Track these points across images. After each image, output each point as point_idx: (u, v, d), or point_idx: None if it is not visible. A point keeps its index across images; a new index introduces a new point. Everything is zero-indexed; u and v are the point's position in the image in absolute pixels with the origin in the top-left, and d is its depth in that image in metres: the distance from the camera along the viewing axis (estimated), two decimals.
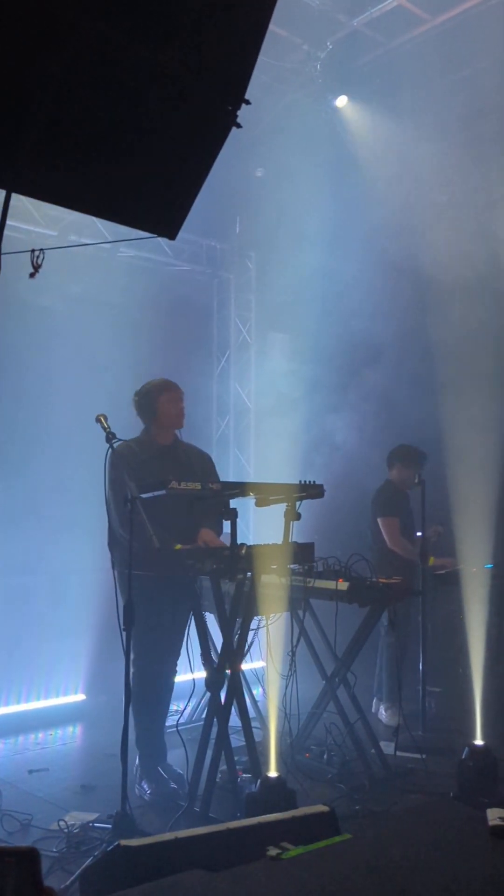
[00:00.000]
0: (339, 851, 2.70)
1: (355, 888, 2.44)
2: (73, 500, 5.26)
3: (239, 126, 1.74)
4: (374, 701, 5.29)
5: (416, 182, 5.93)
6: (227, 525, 3.62)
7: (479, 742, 3.75)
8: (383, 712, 5.07)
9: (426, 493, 4.87)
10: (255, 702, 4.58)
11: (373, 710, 5.21)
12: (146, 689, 3.81)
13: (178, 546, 3.65)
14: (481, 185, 5.62)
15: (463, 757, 3.74)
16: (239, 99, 1.70)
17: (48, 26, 1.46)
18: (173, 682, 4.04)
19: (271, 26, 1.79)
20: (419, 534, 5.08)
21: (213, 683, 3.62)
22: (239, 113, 1.73)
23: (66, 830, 3.29)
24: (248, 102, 1.71)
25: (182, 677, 4.11)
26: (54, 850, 3.20)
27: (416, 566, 4.97)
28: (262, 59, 1.82)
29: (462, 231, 5.63)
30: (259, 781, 3.31)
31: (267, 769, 3.35)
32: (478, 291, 5.54)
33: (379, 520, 5.27)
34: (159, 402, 3.99)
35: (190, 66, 1.62)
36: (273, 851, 2.54)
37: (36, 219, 5.75)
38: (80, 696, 5.37)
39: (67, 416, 5.26)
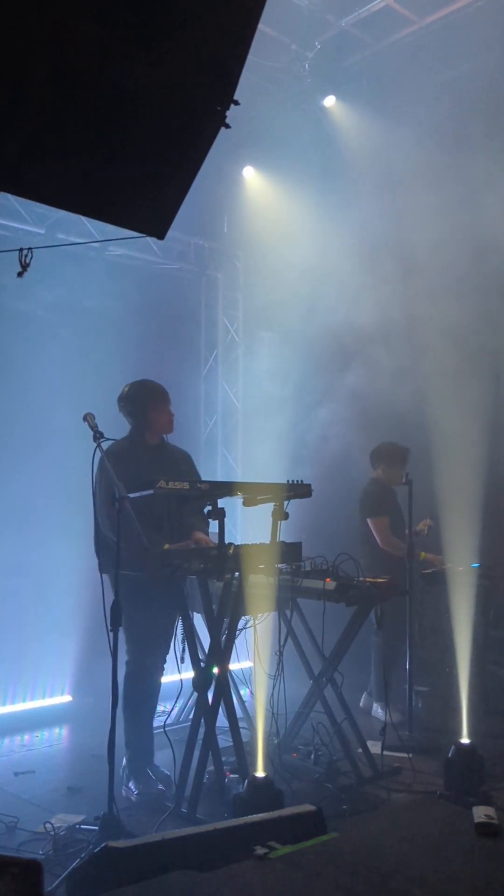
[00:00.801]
0: (327, 850, 2.71)
1: (343, 887, 2.45)
2: (60, 501, 5.22)
3: (228, 126, 1.74)
4: (364, 696, 5.29)
5: (403, 180, 5.95)
6: (214, 524, 3.62)
7: (465, 741, 3.77)
8: (379, 710, 5.08)
9: (412, 491, 4.88)
10: (242, 702, 4.58)
11: (361, 704, 5.22)
12: (136, 689, 3.80)
13: (167, 546, 3.65)
14: (468, 182, 5.64)
15: (449, 756, 3.76)
16: (228, 100, 1.70)
17: (39, 28, 1.45)
18: (160, 682, 4.04)
19: (259, 26, 1.79)
20: (408, 531, 5.10)
21: (200, 684, 3.61)
22: (228, 113, 1.73)
23: (52, 833, 3.28)
24: (237, 103, 1.71)
25: (169, 678, 4.10)
26: (40, 852, 3.18)
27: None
28: (251, 59, 1.82)
29: (448, 228, 5.65)
30: (246, 782, 3.31)
31: (254, 769, 3.35)
32: (464, 288, 5.57)
33: (368, 521, 5.26)
34: (151, 411, 4.01)
35: (179, 68, 1.62)
36: (260, 851, 2.55)
37: (23, 216, 5.71)
38: (67, 698, 5.34)
39: (54, 416, 5.23)
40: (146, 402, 4.00)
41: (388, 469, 5.30)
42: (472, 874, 2.57)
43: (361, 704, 5.23)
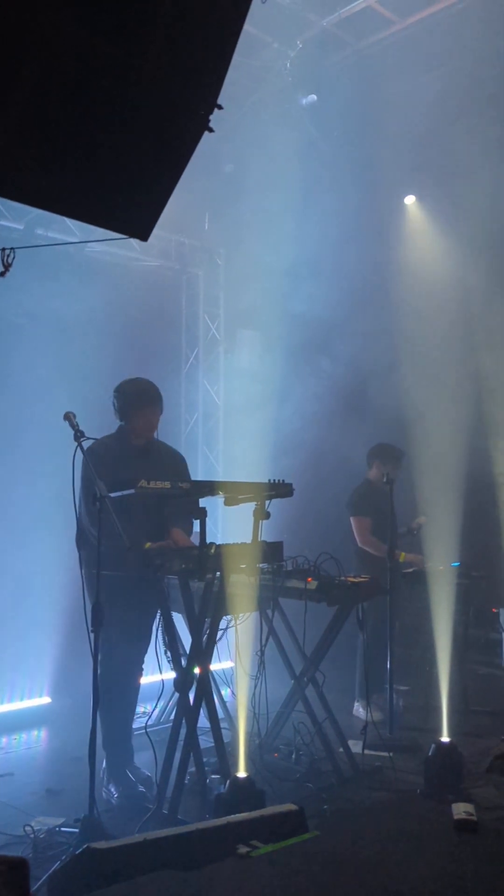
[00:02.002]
0: (308, 848, 2.73)
1: (325, 883, 2.46)
2: (39, 500, 5.17)
3: (211, 131, 1.74)
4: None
5: (385, 179, 5.98)
6: (196, 524, 3.61)
7: (445, 739, 3.80)
8: (360, 709, 5.09)
9: (395, 492, 4.91)
10: (223, 702, 4.58)
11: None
12: (114, 690, 3.77)
13: (148, 545, 3.63)
14: (451, 182, 5.69)
15: (430, 754, 3.78)
16: (211, 104, 1.70)
17: (27, 29, 1.43)
18: (139, 684, 4.01)
19: None
20: (401, 530, 5.13)
21: (181, 684, 3.60)
22: (211, 117, 1.73)
23: (32, 836, 3.25)
24: (220, 107, 1.71)
25: (150, 678, 4.08)
26: (21, 855, 3.15)
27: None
28: (233, 57, 1.81)
29: (430, 225, 5.69)
30: (228, 782, 3.31)
31: (236, 770, 3.35)
32: (450, 286, 5.61)
33: (351, 519, 5.30)
34: (133, 414, 3.98)
35: (163, 73, 1.61)
36: (243, 849, 2.56)
37: (0, 211, 5.64)
38: (45, 700, 5.29)
39: (33, 414, 5.17)
40: (130, 402, 3.97)
41: (381, 467, 5.32)
42: (451, 870, 2.60)
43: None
